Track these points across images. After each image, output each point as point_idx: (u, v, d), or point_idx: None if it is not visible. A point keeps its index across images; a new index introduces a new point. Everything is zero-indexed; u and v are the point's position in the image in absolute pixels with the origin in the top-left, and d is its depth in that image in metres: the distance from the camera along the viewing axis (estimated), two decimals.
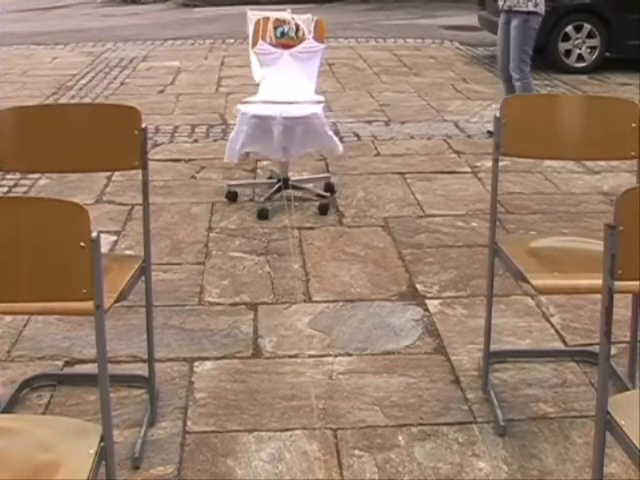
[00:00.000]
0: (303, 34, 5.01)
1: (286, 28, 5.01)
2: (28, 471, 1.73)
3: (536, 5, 6.19)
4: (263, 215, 4.67)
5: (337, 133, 6.45)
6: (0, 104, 3.65)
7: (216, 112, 7.16)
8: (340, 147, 4.87)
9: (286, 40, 5.01)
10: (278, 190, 4.91)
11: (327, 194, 4.97)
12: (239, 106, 4.84)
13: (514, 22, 6.28)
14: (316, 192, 4.98)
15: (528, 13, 6.22)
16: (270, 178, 5.21)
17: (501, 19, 6.50)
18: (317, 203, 4.82)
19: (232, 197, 4.94)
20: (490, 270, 2.90)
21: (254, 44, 5.04)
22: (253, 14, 5.15)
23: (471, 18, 11.42)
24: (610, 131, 2.84)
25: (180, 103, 7.56)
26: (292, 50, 5.02)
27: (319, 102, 4.94)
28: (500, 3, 6.44)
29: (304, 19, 5.03)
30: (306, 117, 4.71)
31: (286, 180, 4.95)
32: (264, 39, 4.98)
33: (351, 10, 15.64)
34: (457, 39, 11.58)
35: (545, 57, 9.01)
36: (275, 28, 4.99)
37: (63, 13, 15.91)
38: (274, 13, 5.09)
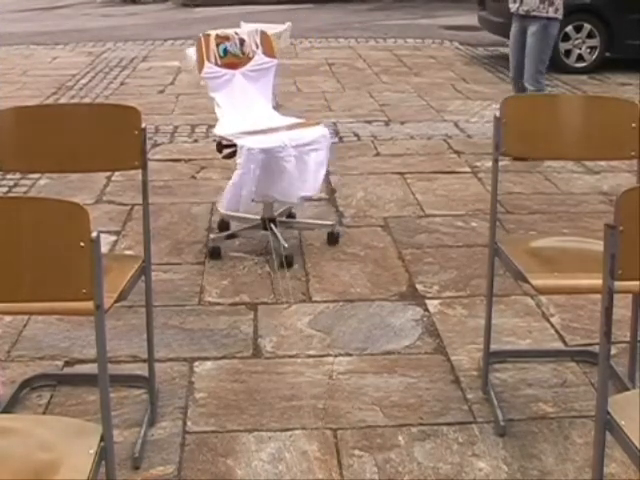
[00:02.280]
0: (250, 50, 4.38)
1: (229, 45, 4.34)
2: (28, 471, 1.73)
3: (557, 10, 5.73)
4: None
5: (337, 133, 6.48)
6: (0, 104, 3.65)
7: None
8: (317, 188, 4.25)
9: (231, 59, 4.35)
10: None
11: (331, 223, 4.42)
12: (239, 141, 4.00)
13: (532, 28, 5.79)
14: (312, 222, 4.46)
15: (548, 19, 5.73)
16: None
17: (515, 25, 6.00)
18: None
19: (217, 254, 4.14)
20: (490, 270, 2.90)
21: (200, 68, 4.31)
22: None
23: (471, 18, 11.42)
24: (610, 131, 2.84)
25: (180, 103, 7.56)
26: (243, 69, 4.38)
27: (308, 122, 4.46)
28: (513, 6, 5.93)
29: (248, 32, 4.42)
30: (315, 142, 4.12)
31: (272, 220, 4.28)
32: (209, 60, 4.30)
33: (351, 10, 15.64)
34: (457, 39, 11.59)
35: None
36: (217, 46, 4.32)
37: (63, 13, 15.91)
38: (216, 31, 4.44)
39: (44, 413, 2.82)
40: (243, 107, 4.34)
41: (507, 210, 4.72)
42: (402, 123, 6.83)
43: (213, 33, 4.33)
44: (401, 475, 2.52)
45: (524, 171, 5.40)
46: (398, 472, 2.53)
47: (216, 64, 4.31)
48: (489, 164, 3.57)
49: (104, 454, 1.82)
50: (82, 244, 1.77)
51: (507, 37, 10.10)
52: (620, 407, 1.92)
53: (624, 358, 2.99)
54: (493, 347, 3.01)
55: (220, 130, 4.21)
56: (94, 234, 1.78)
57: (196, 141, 6.32)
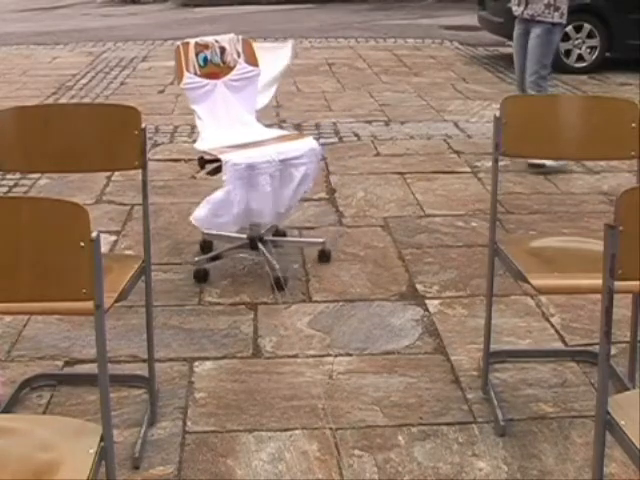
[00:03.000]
0: (232, 58, 4.14)
1: (209, 54, 4.09)
2: (28, 471, 1.73)
3: (562, 15, 5.57)
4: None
5: (337, 133, 6.48)
6: (0, 104, 3.65)
7: None
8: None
9: (211, 68, 4.10)
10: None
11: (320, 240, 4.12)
12: (224, 157, 3.72)
13: (535, 31, 5.60)
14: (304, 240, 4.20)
15: (553, 24, 5.57)
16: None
17: (518, 28, 5.80)
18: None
19: (202, 276, 3.85)
20: (490, 270, 2.90)
21: (180, 78, 4.07)
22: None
23: (471, 18, 11.42)
24: (610, 131, 2.84)
25: (180, 103, 7.54)
26: (226, 79, 4.13)
27: (295, 134, 4.19)
28: (517, 9, 5.75)
29: (229, 39, 4.17)
30: (303, 156, 3.84)
31: (260, 239, 4.01)
32: (188, 70, 4.04)
33: (351, 10, 15.64)
34: (457, 39, 11.59)
35: None
36: (197, 55, 4.08)
37: (63, 13, 15.92)
38: (195, 39, 4.17)
39: (44, 413, 2.82)
40: (226, 119, 4.13)
41: (507, 210, 4.72)
42: (402, 123, 6.83)
43: (192, 41, 4.11)
44: (401, 475, 2.52)
45: (524, 171, 5.40)
46: (398, 472, 2.53)
47: (196, 74, 4.07)
48: (489, 164, 3.58)
49: (104, 454, 1.82)
50: (82, 244, 1.77)
51: (507, 37, 10.16)
52: (620, 407, 1.92)
53: (624, 358, 2.99)
54: (493, 347, 3.01)
55: (202, 145, 4.00)
56: (94, 234, 1.78)
57: (196, 141, 6.31)
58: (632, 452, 1.81)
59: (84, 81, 8.63)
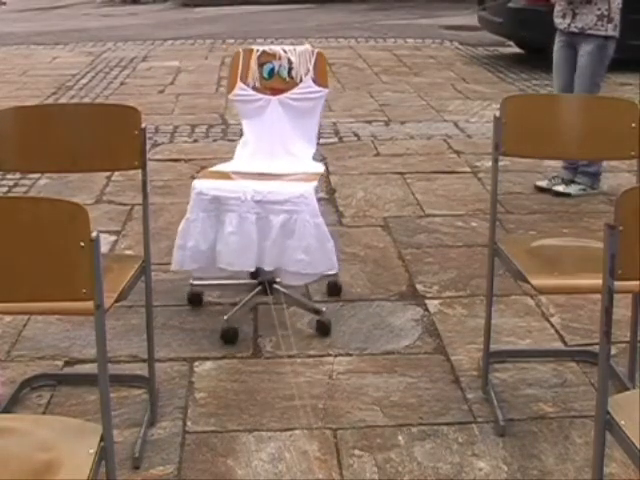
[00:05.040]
0: (299, 74, 3.63)
1: (276, 65, 3.63)
2: (28, 471, 1.73)
3: (615, 27, 4.97)
4: (229, 339, 3.28)
5: (337, 133, 6.48)
6: (0, 104, 3.66)
7: (216, 112, 7.15)
8: (335, 264, 3.25)
9: (277, 82, 3.65)
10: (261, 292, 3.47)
11: (322, 309, 3.42)
12: (195, 182, 3.31)
13: (586, 47, 4.90)
14: (312, 306, 3.48)
15: (606, 38, 4.93)
16: (253, 277, 3.53)
17: (561, 41, 5.07)
18: (313, 318, 3.41)
19: (196, 300, 3.57)
20: (490, 270, 2.90)
21: (231, 88, 3.70)
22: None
23: (471, 18, 11.42)
24: (610, 131, 2.84)
25: (180, 103, 7.56)
26: (283, 96, 3.64)
27: (314, 175, 3.42)
28: (561, 22, 5.01)
29: (300, 51, 3.65)
30: (287, 202, 3.14)
31: (271, 283, 3.43)
32: (244, 81, 3.64)
33: (351, 10, 15.64)
34: (457, 39, 11.58)
35: (545, 57, 9.00)
36: (261, 65, 3.65)
37: (63, 13, 15.92)
38: (262, 46, 3.75)
39: (44, 413, 2.82)
40: (268, 142, 3.62)
41: (507, 210, 4.72)
42: (402, 123, 6.82)
43: (256, 49, 3.68)
44: (401, 475, 2.52)
45: (524, 171, 5.40)
46: (398, 472, 2.53)
47: (254, 87, 3.63)
48: (489, 164, 3.57)
49: (104, 454, 1.82)
50: (82, 244, 1.77)
51: (507, 37, 10.19)
52: (620, 407, 1.92)
53: (624, 358, 2.99)
54: (493, 347, 3.01)
55: (225, 165, 3.62)
56: (94, 234, 1.78)
57: (196, 141, 6.32)
58: (632, 452, 1.81)
59: (84, 81, 8.63)
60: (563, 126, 2.92)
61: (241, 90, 3.64)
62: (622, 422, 1.86)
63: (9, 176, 5.29)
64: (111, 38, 11.74)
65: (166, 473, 2.54)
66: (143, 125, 2.65)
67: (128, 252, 4.11)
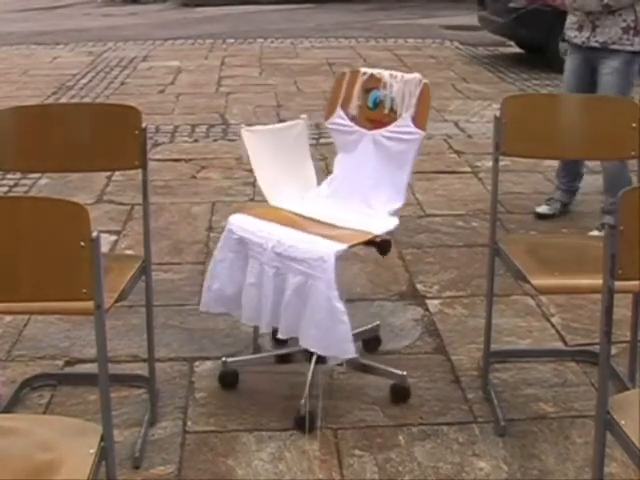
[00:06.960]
0: (401, 108, 3.06)
1: (382, 94, 3.08)
2: (28, 471, 1.73)
3: None
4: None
5: None
6: (0, 104, 3.65)
7: (216, 112, 7.15)
8: (349, 350, 2.70)
9: (380, 114, 3.08)
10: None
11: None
12: (231, 217, 2.95)
13: (611, 64, 4.27)
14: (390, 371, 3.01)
15: (633, 53, 4.26)
16: (277, 341, 3.15)
17: (577, 58, 4.45)
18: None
19: (230, 382, 3.02)
20: (490, 270, 2.90)
21: (329, 113, 3.20)
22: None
23: (471, 18, 11.41)
24: (610, 131, 2.84)
25: (180, 103, 7.56)
26: (378, 132, 3.07)
27: (360, 235, 2.85)
28: (577, 35, 4.37)
29: (407, 80, 3.11)
30: (304, 262, 2.68)
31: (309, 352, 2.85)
32: (345, 108, 3.14)
33: (351, 10, 15.63)
34: (457, 39, 11.58)
35: (545, 57, 9.01)
36: (367, 92, 3.12)
37: (63, 13, 15.91)
38: (370, 69, 3.19)
39: (44, 413, 2.82)
40: (350, 186, 3.13)
41: (507, 210, 4.72)
42: None
43: (363, 71, 3.16)
44: (401, 475, 2.52)
45: (524, 171, 5.40)
46: (398, 472, 2.53)
47: (352, 118, 3.13)
48: (489, 164, 3.57)
49: (104, 454, 1.83)
50: (82, 244, 1.77)
51: (507, 37, 10.18)
52: (620, 407, 1.92)
53: (624, 358, 2.99)
54: (493, 347, 3.01)
55: (292, 196, 3.14)
56: (94, 234, 1.78)
57: (196, 141, 6.32)
58: (632, 452, 1.81)
59: (84, 81, 8.63)
60: (563, 126, 2.92)
61: (339, 119, 3.16)
62: (622, 422, 1.87)
63: (9, 176, 5.29)
64: (111, 38, 11.74)
65: (166, 473, 2.54)
66: (143, 125, 2.65)
67: (128, 252, 4.11)
